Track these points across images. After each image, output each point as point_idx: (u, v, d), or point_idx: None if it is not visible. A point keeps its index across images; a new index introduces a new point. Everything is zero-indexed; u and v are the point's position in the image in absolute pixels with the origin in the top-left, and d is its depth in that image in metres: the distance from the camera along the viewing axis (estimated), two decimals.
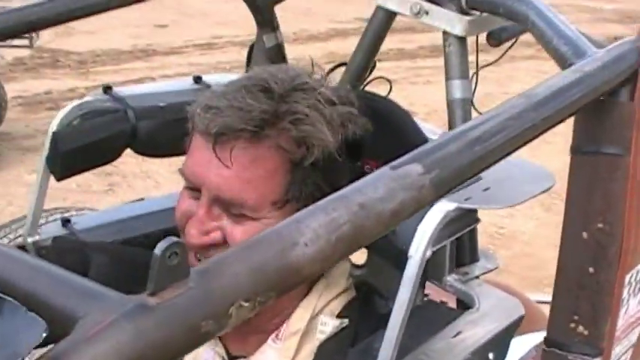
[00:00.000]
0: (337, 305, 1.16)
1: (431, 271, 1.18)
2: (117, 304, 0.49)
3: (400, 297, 0.93)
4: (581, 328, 0.94)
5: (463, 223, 1.02)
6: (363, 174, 1.20)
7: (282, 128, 1.04)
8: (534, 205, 5.53)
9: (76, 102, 1.27)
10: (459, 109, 1.30)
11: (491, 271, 1.29)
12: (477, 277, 1.26)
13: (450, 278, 1.22)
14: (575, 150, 0.96)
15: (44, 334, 0.47)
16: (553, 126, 0.81)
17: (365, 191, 0.62)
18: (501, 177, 1.06)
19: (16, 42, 5.66)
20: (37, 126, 6.09)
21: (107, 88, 1.32)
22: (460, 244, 1.24)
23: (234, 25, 8.80)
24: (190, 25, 9.94)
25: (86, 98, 1.29)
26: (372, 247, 1.29)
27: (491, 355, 1.07)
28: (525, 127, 0.77)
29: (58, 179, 1.27)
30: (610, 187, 0.92)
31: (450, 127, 1.31)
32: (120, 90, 1.34)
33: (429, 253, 0.93)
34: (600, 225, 0.92)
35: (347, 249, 0.59)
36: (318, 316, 1.14)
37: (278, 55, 1.72)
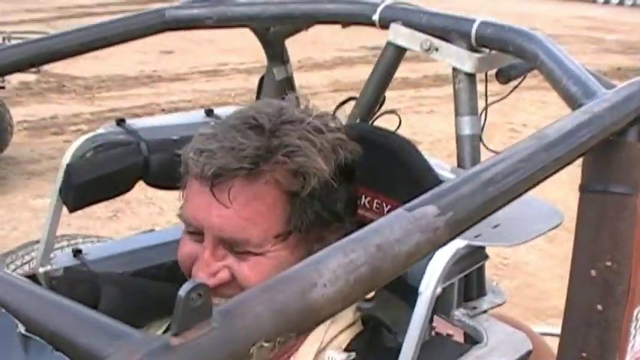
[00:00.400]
0: (344, 339, 1.17)
1: (439, 305, 1.19)
2: (141, 344, 0.50)
3: (410, 333, 0.94)
4: None
5: (472, 260, 1.03)
6: (358, 199, 1.22)
7: (277, 162, 1.05)
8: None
9: (89, 134, 1.29)
10: (467, 145, 1.31)
11: (499, 305, 1.30)
12: (485, 311, 1.27)
13: (458, 313, 1.22)
14: (584, 188, 0.97)
15: None
16: (563, 167, 0.82)
17: (382, 232, 0.63)
18: (511, 214, 1.07)
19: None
20: (42, 150, 6.13)
21: (120, 121, 1.34)
22: (468, 279, 1.24)
23: (239, 53, 8.87)
24: (196, 52, 10.00)
25: (99, 130, 1.31)
26: (390, 287, 1.29)
27: None
28: (537, 168, 0.78)
29: (71, 211, 1.28)
30: (618, 226, 0.94)
31: (459, 163, 1.32)
32: (133, 122, 1.35)
33: (439, 290, 0.94)
34: (608, 263, 0.93)
35: (364, 289, 0.61)
36: (325, 350, 1.14)
37: (288, 87, 1.74)
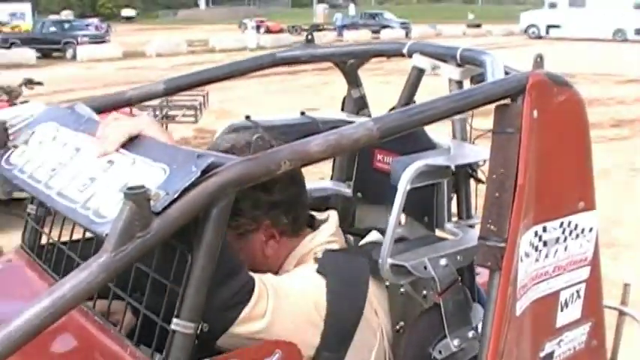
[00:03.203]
0: None
1: (437, 221, 1.97)
2: (238, 159, 1.35)
3: (394, 209, 1.73)
4: (492, 227, 1.69)
5: (434, 175, 1.81)
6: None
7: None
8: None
9: (230, 122, 2.18)
10: (458, 125, 2.08)
11: (478, 223, 2.05)
12: (472, 226, 2.01)
13: (449, 225, 1.99)
14: (494, 132, 1.74)
15: (209, 161, 1.32)
16: (457, 114, 1.62)
17: (345, 131, 1.46)
18: (460, 153, 1.86)
19: (184, 119, 6.86)
20: None
21: (247, 117, 2.23)
22: (460, 205, 2.01)
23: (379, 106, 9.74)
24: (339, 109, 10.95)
25: (238, 121, 2.20)
26: (409, 213, 2.07)
27: (459, 257, 1.82)
28: (438, 111, 1.58)
29: None
30: (507, 150, 1.69)
31: (453, 135, 2.10)
32: (255, 118, 2.24)
33: (408, 187, 1.73)
34: (502, 170, 1.68)
35: (334, 151, 1.43)
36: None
37: (362, 102, 2.57)
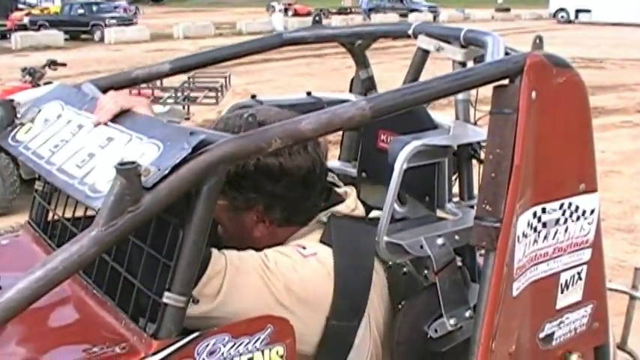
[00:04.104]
0: None
1: (438, 202, 1.99)
2: (229, 137, 1.37)
3: (390, 188, 1.74)
4: (487, 207, 1.70)
5: (432, 155, 1.82)
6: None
7: None
8: None
9: (237, 101, 2.20)
10: (460, 105, 2.08)
11: None
12: (472, 206, 2.02)
13: (449, 205, 2.01)
14: (492, 112, 1.74)
15: (200, 138, 1.35)
16: (455, 93, 1.62)
17: (337, 110, 1.47)
18: (459, 134, 1.87)
19: (205, 100, 6.89)
20: None
21: (253, 96, 2.25)
22: (461, 185, 2.02)
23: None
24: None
25: (243, 100, 2.22)
26: (410, 193, 2.08)
27: (457, 237, 1.84)
28: (432, 91, 1.58)
29: None
30: (504, 130, 1.69)
31: (456, 116, 2.10)
32: (261, 97, 2.26)
33: (405, 166, 1.74)
34: (498, 150, 1.69)
35: (326, 129, 1.45)
36: None
37: (370, 84, 2.58)
